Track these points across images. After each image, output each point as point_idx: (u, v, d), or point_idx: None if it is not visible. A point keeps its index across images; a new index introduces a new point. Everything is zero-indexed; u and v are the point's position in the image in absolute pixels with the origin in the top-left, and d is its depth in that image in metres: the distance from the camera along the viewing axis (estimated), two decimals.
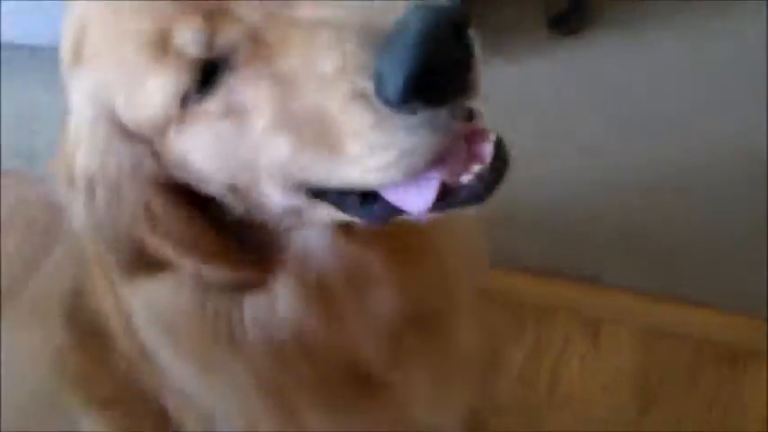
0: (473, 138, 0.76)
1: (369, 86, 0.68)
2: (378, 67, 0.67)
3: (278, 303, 0.93)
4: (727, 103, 1.96)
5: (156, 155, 0.82)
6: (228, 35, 0.75)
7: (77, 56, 0.83)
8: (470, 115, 0.76)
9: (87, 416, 1.52)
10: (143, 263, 0.87)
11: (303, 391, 1.05)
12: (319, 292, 0.94)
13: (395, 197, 0.78)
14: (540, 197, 1.91)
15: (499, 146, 0.76)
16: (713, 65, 2.04)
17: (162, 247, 0.86)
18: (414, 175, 0.74)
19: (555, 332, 1.74)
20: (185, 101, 0.76)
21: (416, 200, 0.77)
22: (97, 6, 0.80)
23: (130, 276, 0.90)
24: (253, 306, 0.93)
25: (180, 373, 1.07)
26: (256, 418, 1.09)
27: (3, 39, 2.36)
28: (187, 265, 0.86)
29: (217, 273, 0.87)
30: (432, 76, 0.67)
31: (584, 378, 1.68)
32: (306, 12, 0.72)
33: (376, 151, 0.71)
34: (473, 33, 0.70)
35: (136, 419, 1.44)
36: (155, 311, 1.01)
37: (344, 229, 0.92)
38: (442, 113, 0.70)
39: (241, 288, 0.91)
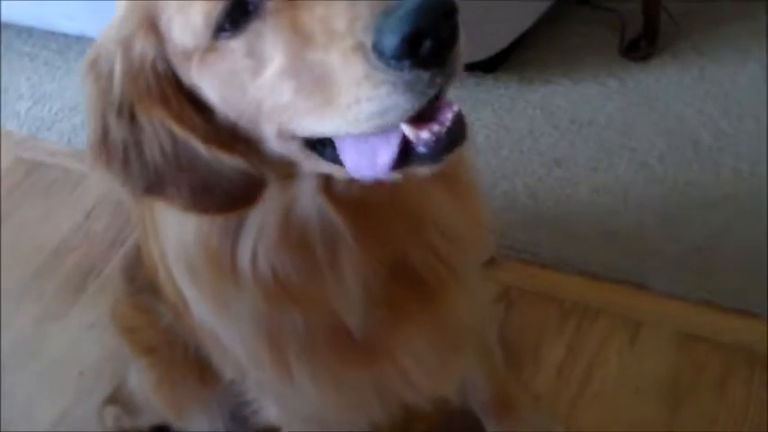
0: (438, 105, 0.88)
1: (368, 41, 0.81)
2: (379, 26, 0.80)
3: (262, 241, 1.04)
4: None
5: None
6: None
7: None
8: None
9: (135, 363, 1.66)
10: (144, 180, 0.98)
11: (294, 342, 1.15)
12: (298, 240, 1.05)
13: (364, 148, 0.91)
14: (597, 205, 1.99)
15: (459, 116, 0.88)
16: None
17: (186, 133, 0.95)
18: (385, 131, 0.86)
19: (596, 331, 1.80)
20: (217, 33, 0.89)
21: (382, 152, 0.90)
22: None
23: (144, 197, 1.00)
24: (244, 239, 1.04)
25: (200, 309, 1.18)
26: (254, 355, 1.19)
27: None
28: (207, 152, 0.95)
29: (231, 161, 0.96)
30: (422, 40, 0.79)
31: (618, 377, 1.71)
32: None
33: (360, 103, 0.84)
34: (460, 21, 0.83)
35: (177, 367, 1.57)
36: (177, 249, 1.13)
37: (327, 188, 1.03)
38: (424, 79, 0.82)
39: (234, 203, 1.00)
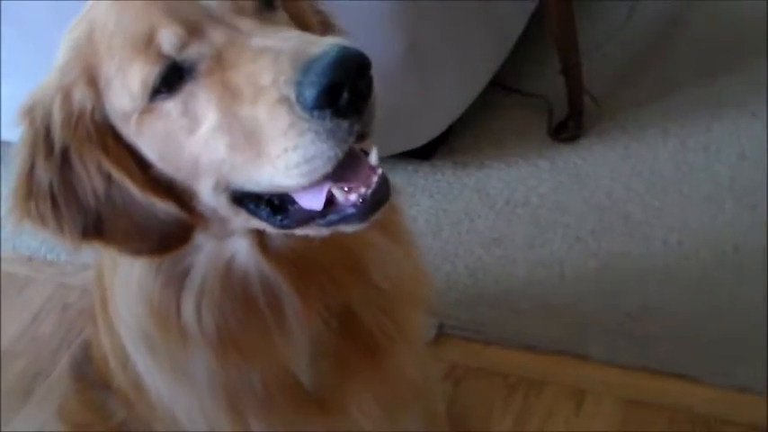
0: (364, 169, 0.97)
1: (292, 94, 0.88)
2: (300, 80, 0.88)
3: (205, 296, 1.09)
4: (711, 200, 2.11)
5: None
6: (198, 47, 0.96)
7: (74, 29, 1.03)
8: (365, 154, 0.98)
9: None
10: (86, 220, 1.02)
11: (252, 399, 1.18)
12: (242, 296, 1.10)
13: (301, 200, 0.98)
14: (536, 281, 2.06)
15: (383, 178, 0.97)
16: (694, 165, 2.20)
17: (122, 177, 1.01)
18: (314, 180, 0.93)
19: (542, 402, 1.84)
20: (154, 96, 0.96)
21: (311, 202, 0.97)
22: (108, 7, 1.00)
23: (81, 241, 1.04)
24: (187, 294, 1.09)
25: (157, 383, 1.21)
26: (213, 420, 1.21)
27: None
28: (142, 196, 1.01)
29: (164, 206, 1.02)
30: (340, 92, 0.87)
31: None
32: (257, 41, 0.93)
33: (288, 152, 0.91)
34: (372, 75, 0.91)
35: None
36: (128, 316, 1.16)
37: (262, 245, 1.09)
38: (343, 127, 0.89)
39: (166, 244, 1.05)
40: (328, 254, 1.09)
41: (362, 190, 0.95)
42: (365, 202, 0.95)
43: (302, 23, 1.10)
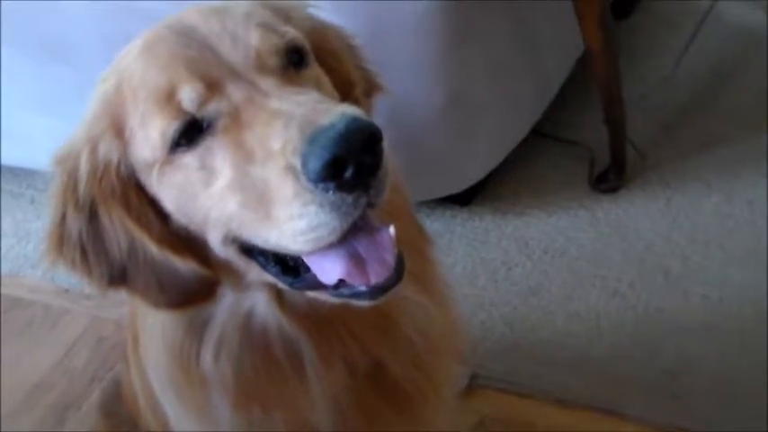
0: (381, 245, 0.96)
1: (298, 163, 0.88)
2: (305, 151, 0.87)
3: (224, 345, 1.09)
4: (754, 256, 2.07)
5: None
6: (217, 105, 0.97)
7: (104, 80, 1.06)
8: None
9: None
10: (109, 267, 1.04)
11: None
12: (262, 349, 1.10)
13: (313, 266, 0.98)
14: (572, 333, 2.02)
15: (399, 259, 0.96)
16: (738, 220, 2.17)
17: (142, 234, 1.03)
18: (321, 248, 0.93)
19: None
20: (174, 148, 0.97)
21: (323, 275, 0.97)
22: (135, 60, 1.02)
23: (108, 288, 1.07)
24: (207, 342, 1.10)
25: (182, 426, 1.22)
26: None
27: None
28: (159, 253, 1.02)
29: (183, 263, 1.03)
30: (345, 166, 0.87)
31: None
32: (273, 103, 0.94)
33: (293, 219, 0.91)
34: (385, 147, 0.90)
35: None
36: (154, 361, 1.17)
37: (280, 300, 1.09)
38: (348, 201, 0.89)
39: (188, 299, 1.06)
40: (353, 309, 1.08)
41: (379, 270, 0.95)
42: (377, 286, 0.95)
43: (345, 80, 1.11)
